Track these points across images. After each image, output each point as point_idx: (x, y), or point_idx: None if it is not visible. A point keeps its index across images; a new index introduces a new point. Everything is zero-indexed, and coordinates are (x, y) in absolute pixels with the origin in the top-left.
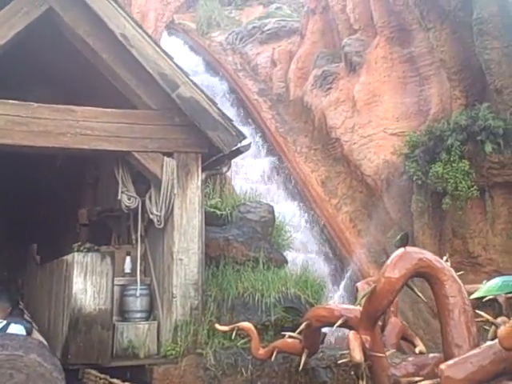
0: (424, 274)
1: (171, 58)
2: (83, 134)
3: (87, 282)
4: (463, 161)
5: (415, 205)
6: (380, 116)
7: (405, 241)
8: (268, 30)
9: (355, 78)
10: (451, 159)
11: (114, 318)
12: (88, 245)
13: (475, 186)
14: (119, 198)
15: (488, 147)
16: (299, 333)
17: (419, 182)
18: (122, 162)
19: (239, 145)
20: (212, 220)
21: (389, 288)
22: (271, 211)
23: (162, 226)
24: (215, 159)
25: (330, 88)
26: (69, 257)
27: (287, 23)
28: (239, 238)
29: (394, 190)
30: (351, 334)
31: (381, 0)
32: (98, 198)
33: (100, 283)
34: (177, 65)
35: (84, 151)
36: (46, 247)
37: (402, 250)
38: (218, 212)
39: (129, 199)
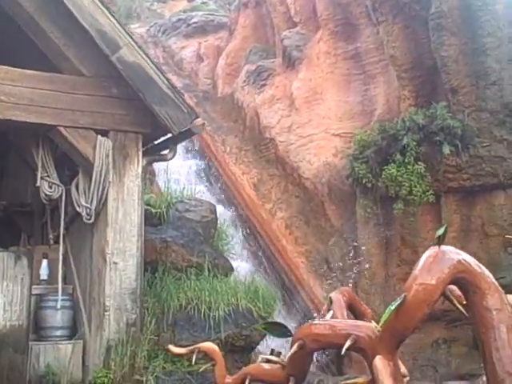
0: (460, 280)
1: (112, 14)
2: None
3: None
4: (419, 163)
5: (361, 210)
6: (321, 115)
7: (443, 237)
8: (194, 23)
9: (294, 74)
10: (406, 161)
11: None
12: None
13: (431, 191)
14: (38, 184)
15: (446, 149)
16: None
17: (369, 186)
18: (43, 141)
19: (190, 125)
20: (145, 219)
21: (425, 298)
22: (213, 211)
23: (91, 220)
24: (158, 143)
25: (264, 85)
26: None
27: (215, 17)
28: (179, 241)
29: (336, 194)
30: (378, 360)
31: None
32: (1, 191)
33: (13, 291)
34: (118, 21)
35: None
36: None
37: (435, 248)
38: (153, 210)
39: (50, 187)
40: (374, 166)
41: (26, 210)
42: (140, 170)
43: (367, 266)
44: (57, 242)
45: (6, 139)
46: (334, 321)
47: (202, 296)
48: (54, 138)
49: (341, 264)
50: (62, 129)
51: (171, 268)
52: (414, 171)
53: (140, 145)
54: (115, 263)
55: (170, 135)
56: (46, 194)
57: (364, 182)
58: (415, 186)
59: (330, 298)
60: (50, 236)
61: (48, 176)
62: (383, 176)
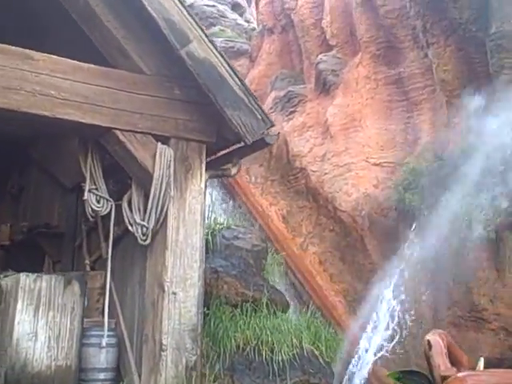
0: None
1: (181, 1)
2: (44, 95)
3: (38, 322)
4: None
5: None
6: (360, 143)
7: None
8: None
9: (328, 100)
10: None
11: None
12: (11, 273)
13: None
14: (85, 198)
15: None
16: None
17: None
18: (92, 148)
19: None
20: None
21: None
22: (264, 239)
23: (147, 242)
24: (222, 155)
25: (293, 111)
26: (8, 280)
27: (235, 44)
28: (231, 271)
29: (377, 228)
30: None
31: (368, 12)
32: (22, 211)
33: (60, 324)
34: (188, 11)
35: (42, 121)
36: None
37: None
38: None
39: (98, 202)
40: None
41: (52, 231)
42: (203, 185)
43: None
44: (93, 268)
45: (28, 154)
46: (491, 372)
47: (263, 336)
48: (107, 143)
49: None
50: (118, 132)
51: (223, 303)
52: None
53: (204, 156)
54: (174, 294)
55: (234, 147)
56: (92, 210)
57: (416, 214)
58: None
59: (429, 341)
60: (87, 261)
61: (96, 189)
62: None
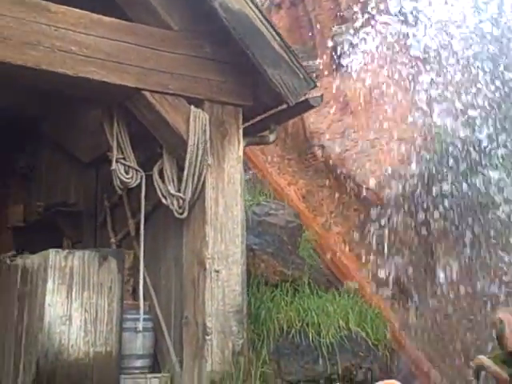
0: None
1: None
2: (64, 51)
3: (72, 304)
4: None
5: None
6: (384, 118)
7: None
8: None
9: (346, 75)
10: None
11: None
12: (27, 254)
13: None
14: (113, 168)
15: None
16: None
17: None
18: (118, 113)
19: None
20: None
21: None
22: (297, 215)
23: (184, 215)
24: (258, 121)
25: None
26: (34, 259)
27: None
28: (267, 249)
29: (405, 205)
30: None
31: None
32: (35, 191)
33: (97, 306)
34: None
35: (63, 81)
36: None
37: None
38: None
39: (127, 172)
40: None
41: (70, 210)
42: (241, 152)
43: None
44: (120, 247)
45: (38, 130)
46: None
47: (308, 318)
48: (134, 107)
49: (416, 284)
50: (147, 94)
51: (262, 283)
52: None
53: (240, 121)
54: (217, 271)
55: (270, 112)
56: (121, 182)
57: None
58: None
59: (501, 320)
60: (112, 240)
61: (124, 158)
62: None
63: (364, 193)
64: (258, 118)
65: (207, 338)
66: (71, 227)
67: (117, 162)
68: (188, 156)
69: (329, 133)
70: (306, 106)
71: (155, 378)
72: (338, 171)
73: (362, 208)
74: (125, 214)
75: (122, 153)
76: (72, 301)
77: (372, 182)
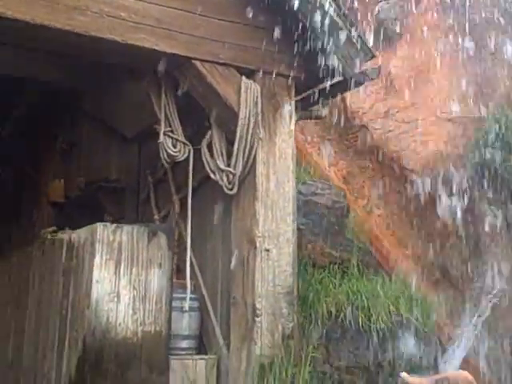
0: None
1: None
2: (113, 17)
3: (120, 281)
4: None
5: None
6: (429, 97)
7: None
8: None
9: (391, 52)
10: None
11: None
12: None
13: None
14: (160, 141)
15: None
16: None
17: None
18: (167, 83)
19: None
20: None
21: None
22: (343, 196)
23: (234, 191)
24: (310, 94)
25: None
26: (80, 233)
27: None
28: (314, 229)
29: (452, 189)
30: None
31: None
32: (75, 167)
33: (146, 283)
34: None
35: (110, 48)
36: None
37: None
38: None
39: (174, 146)
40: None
41: (112, 186)
42: (293, 126)
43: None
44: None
45: (77, 106)
46: None
47: (357, 301)
48: (183, 77)
49: (461, 272)
50: (198, 63)
51: (309, 264)
52: None
53: (293, 93)
54: (267, 250)
55: (324, 85)
56: (168, 155)
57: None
58: None
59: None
60: (156, 217)
61: (171, 131)
62: None
63: (408, 175)
64: (310, 90)
65: (257, 319)
66: (113, 203)
67: (164, 134)
68: (239, 129)
69: (371, 112)
70: (363, 78)
71: (202, 359)
72: (381, 152)
73: (405, 191)
74: (169, 189)
75: (170, 125)
76: (120, 277)
77: (417, 164)
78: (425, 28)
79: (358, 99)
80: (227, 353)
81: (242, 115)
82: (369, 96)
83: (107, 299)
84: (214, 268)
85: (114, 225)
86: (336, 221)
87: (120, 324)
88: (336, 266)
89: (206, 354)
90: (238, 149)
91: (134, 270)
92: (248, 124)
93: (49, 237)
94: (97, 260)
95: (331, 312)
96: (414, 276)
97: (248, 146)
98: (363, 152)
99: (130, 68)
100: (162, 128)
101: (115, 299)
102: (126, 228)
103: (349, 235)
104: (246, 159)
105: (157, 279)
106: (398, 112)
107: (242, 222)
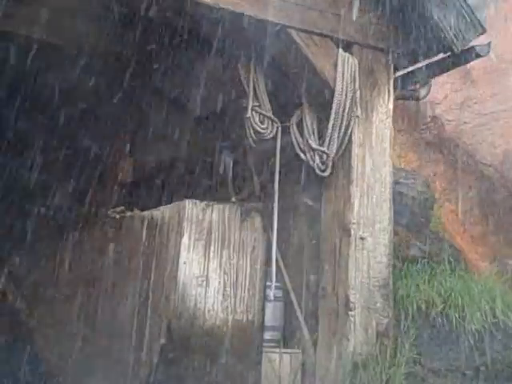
0: None
1: None
2: None
3: (210, 264)
4: None
5: None
6: (510, 88)
7: None
8: None
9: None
10: None
11: None
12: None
13: None
14: (248, 116)
15: None
16: None
17: None
18: (257, 54)
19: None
20: None
21: None
22: (429, 186)
23: (326, 172)
24: (409, 72)
25: None
26: (165, 210)
27: None
28: (399, 221)
29: None
30: None
31: None
32: (144, 146)
33: (238, 267)
34: None
35: (200, 12)
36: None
37: None
38: None
39: (262, 122)
40: None
41: (184, 166)
42: (391, 106)
43: None
44: None
45: (146, 84)
46: None
47: (450, 299)
48: (276, 48)
49: None
50: (293, 32)
51: (395, 257)
52: None
53: (391, 70)
54: (362, 239)
55: (425, 62)
56: (255, 132)
57: None
58: None
59: None
60: (233, 199)
61: (259, 106)
62: None
63: (484, 170)
64: (410, 68)
65: (350, 313)
66: (184, 184)
67: (252, 109)
68: (334, 106)
69: (445, 103)
70: (472, 55)
71: (286, 353)
72: (454, 145)
73: (480, 186)
74: (249, 171)
75: (258, 100)
76: (209, 260)
77: (494, 159)
78: (508, 16)
79: (431, 89)
80: (313, 348)
81: (338, 90)
82: (442, 86)
83: (195, 283)
84: (298, 256)
85: (204, 202)
86: (421, 212)
87: (209, 311)
88: (425, 261)
89: (288, 347)
90: (332, 127)
91: (224, 252)
92: (344, 100)
93: (117, 217)
94: (184, 240)
95: (421, 309)
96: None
97: (344, 125)
98: (435, 144)
99: (209, 41)
100: (250, 103)
101: (204, 283)
102: (217, 206)
103: (434, 228)
104: (340, 139)
105: (249, 264)
106: (475, 103)
107: (333, 207)
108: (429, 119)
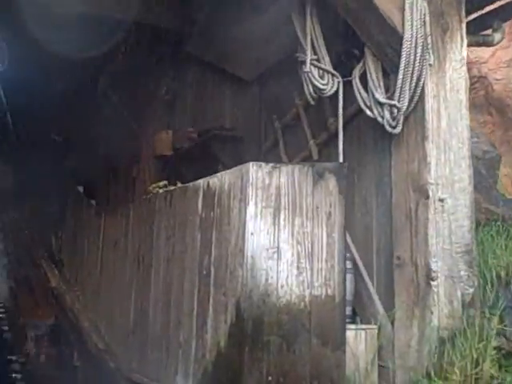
0: None
1: None
2: None
3: (280, 233)
4: None
5: None
6: None
7: None
8: None
9: None
10: None
11: None
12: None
13: None
14: (306, 70)
15: None
16: None
17: None
18: (312, 3)
19: None
20: None
21: None
22: (494, 145)
23: (397, 129)
24: (481, 16)
25: (467, 10)
26: (224, 177)
27: None
28: None
29: None
30: None
31: None
32: (181, 118)
33: (312, 236)
34: None
35: None
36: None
37: None
38: None
39: (321, 77)
40: None
41: (228, 135)
42: (465, 53)
43: None
44: None
45: (181, 51)
46: None
47: None
48: None
49: None
50: None
51: None
52: None
53: (463, 13)
54: (441, 201)
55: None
56: (315, 88)
57: None
58: None
59: None
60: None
61: (318, 60)
62: None
63: None
64: (484, 10)
65: (432, 283)
66: (228, 155)
67: (311, 64)
68: (404, 54)
69: (492, 62)
70: None
71: (361, 329)
72: (504, 106)
73: None
74: (302, 134)
75: (316, 53)
76: (280, 229)
77: None
78: None
79: (476, 47)
80: (389, 323)
81: (407, 37)
82: None
83: (265, 255)
84: (366, 222)
85: (270, 164)
86: (487, 173)
87: (282, 286)
88: (498, 224)
89: (359, 323)
90: (403, 78)
91: (296, 220)
92: (415, 47)
93: (160, 191)
94: (250, 208)
95: (500, 277)
96: None
97: (415, 75)
98: (482, 105)
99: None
100: (308, 56)
101: (275, 256)
102: (285, 168)
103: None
104: (412, 90)
105: (326, 232)
106: None
107: (406, 167)
108: (475, 79)
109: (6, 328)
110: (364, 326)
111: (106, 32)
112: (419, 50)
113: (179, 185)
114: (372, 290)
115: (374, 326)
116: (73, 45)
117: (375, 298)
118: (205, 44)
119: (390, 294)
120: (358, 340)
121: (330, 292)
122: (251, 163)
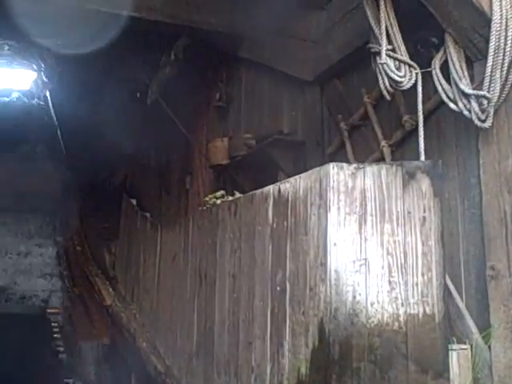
0: None
1: None
2: None
3: (367, 243)
4: None
5: None
6: None
7: None
8: None
9: None
10: None
11: None
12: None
13: None
14: (382, 61)
15: None
16: None
17: None
18: None
19: None
20: None
21: None
22: None
23: (488, 123)
24: None
25: None
26: (300, 181)
27: None
28: None
29: None
30: None
31: None
32: (236, 124)
33: (405, 245)
34: None
35: None
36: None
37: None
38: None
39: (398, 69)
40: None
41: (289, 140)
42: None
43: None
44: None
45: (233, 57)
46: None
47: None
48: None
49: None
50: None
51: None
52: None
53: None
54: None
55: None
56: (392, 81)
57: None
58: None
59: None
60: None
61: (393, 50)
62: None
63: None
64: None
65: None
66: (289, 161)
67: (387, 54)
68: (493, 38)
69: None
70: None
71: (453, 350)
72: None
73: None
74: (372, 135)
75: (391, 43)
76: (367, 238)
77: None
78: None
79: None
80: (483, 342)
81: (496, 19)
82: None
83: (351, 269)
84: (450, 229)
85: (353, 165)
86: None
87: (372, 304)
88: None
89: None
90: (492, 65)
91: (386, 227)
92: (505, 30)
93: (218, 202)
94: (332, 215)
95: None
96: None
97: (506, 61)
98: None
99: None
100: (384, 46)
101: (363, 269)
102: (370, 169)
103: None
104: (503, 79)
105: (420, 240)
106: None
107: (499, 166)
108: None
109: (61, 349)
110: (455, 346)
111: (155, 40)
112: (510, 33)
113: (238, 195)
114: (461, 305)
115: (467, 346)
116: (125, 58)
117: (466, 314)
118: (256, 46)
119: (483, 309)
120: (451, 362)
121: (428, 310)
122: (331, 164)
